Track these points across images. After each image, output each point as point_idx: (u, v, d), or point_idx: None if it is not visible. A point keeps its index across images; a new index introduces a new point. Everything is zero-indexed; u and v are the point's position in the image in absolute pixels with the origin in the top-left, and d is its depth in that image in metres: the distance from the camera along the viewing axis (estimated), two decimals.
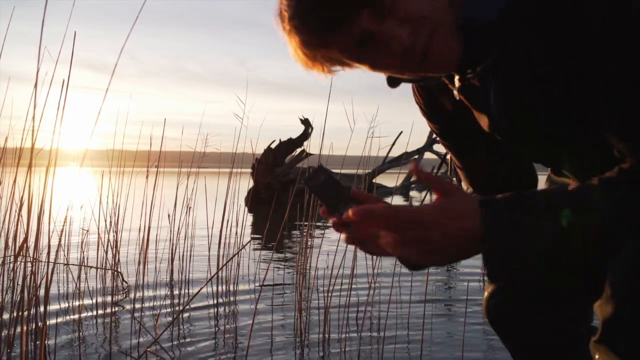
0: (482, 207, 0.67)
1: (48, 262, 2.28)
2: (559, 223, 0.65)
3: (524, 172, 1.09)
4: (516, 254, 0.66)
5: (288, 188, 9.30)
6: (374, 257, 2.97)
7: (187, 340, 2.45)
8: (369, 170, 3.51)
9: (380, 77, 0.91)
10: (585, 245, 0.67)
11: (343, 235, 0.76)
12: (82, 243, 3.62)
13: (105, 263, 3.53)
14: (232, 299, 3.19)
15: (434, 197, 0.71)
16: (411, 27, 0.79)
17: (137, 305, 2.94)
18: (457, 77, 0.89)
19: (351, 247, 2.74)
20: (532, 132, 0.89)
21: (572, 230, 0.66)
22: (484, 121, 0.93)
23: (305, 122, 11.20)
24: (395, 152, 11.76)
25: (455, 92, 0.92)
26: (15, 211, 2.36)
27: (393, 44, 0.80)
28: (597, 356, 0.81)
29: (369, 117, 2.97)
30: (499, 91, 0.85)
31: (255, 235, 6.15)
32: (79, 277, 3.19)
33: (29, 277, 1.97)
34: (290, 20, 0.82)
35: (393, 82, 0.90)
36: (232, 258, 2.52)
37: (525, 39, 0.78)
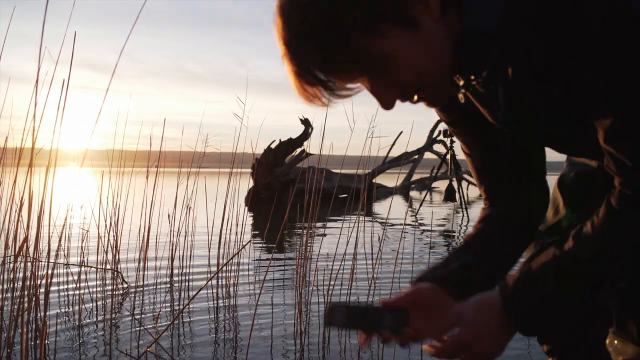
0: (505, 310, 0.87)
1: (48, 262, 2.29)
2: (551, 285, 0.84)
3: (532, 160, 1.08)
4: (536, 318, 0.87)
5: (288, 188, 9.29)
6: (374, 257, 2.97)
7: (187, 340, 2.45)
8: (369, 170, 3.51)
9: None
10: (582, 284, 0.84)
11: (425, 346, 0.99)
12: (82, 243, 3.62)
13: (105, 263, 3.53)
14: (232, 299, 3.19)
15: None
16: (400, 89, 0.81)
17: (137, 305, 2.94)
18: (461, 82, 0.89)
19: (351, 248, 2.75)
20: (532, 132, 0.89)
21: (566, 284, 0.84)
22: (489, 115, 0.93)
23: (305, 122, 11.19)
24: (395, 152, 11.77)
25: (460, 95, 0.92)
26: (15, 211, 2.36)
27: (386, 97, 0.82)
28: None
29: (369, 117, 2.97)
30: (504, 90, 0.85)
31: (255, 235, 6.15)
32: (79, 277, 3.19)
33: (29, 277, 1.97)
34: (285, 57, 0.81)
35: None
36: (232, 258, 2.51)
37: (525, 39, 0.78)
